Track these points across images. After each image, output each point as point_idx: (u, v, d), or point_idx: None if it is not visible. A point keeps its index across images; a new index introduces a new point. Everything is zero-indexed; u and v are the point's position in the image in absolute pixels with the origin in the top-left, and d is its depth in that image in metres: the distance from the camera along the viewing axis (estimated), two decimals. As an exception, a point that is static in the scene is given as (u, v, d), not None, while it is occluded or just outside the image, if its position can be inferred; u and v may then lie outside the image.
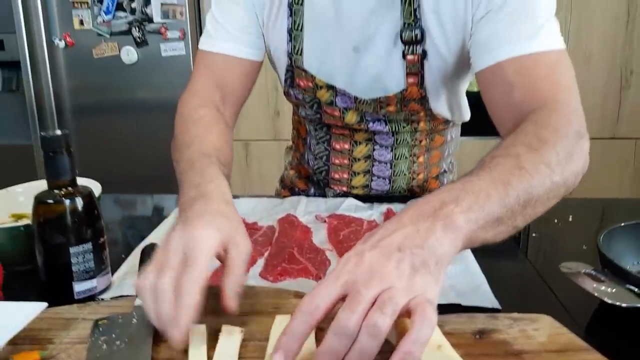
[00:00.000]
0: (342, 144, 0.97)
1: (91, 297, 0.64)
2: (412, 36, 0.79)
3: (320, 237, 0.83)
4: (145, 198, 1.12)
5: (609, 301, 0.55)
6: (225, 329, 0.50)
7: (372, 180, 1.00)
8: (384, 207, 0.94)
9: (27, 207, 0.85)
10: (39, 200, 0.64)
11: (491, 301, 0.62)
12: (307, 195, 1.07)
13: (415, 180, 1.01)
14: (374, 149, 0.97)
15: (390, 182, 1.00)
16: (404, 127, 0.94)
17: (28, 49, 2.08)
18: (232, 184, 2.20)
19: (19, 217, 0.85)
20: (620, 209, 1.08)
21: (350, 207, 0.95)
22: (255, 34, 0.87)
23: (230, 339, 0.49)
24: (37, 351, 0.50)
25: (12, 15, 2.04)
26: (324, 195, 1.05)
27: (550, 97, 0.67)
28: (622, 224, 0.71)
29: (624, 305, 0.55)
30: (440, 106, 0.91)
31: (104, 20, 2.08)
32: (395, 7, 0.79)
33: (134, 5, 2.06)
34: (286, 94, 0.95)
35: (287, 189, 1.15)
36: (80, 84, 2.16)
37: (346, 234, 0.83)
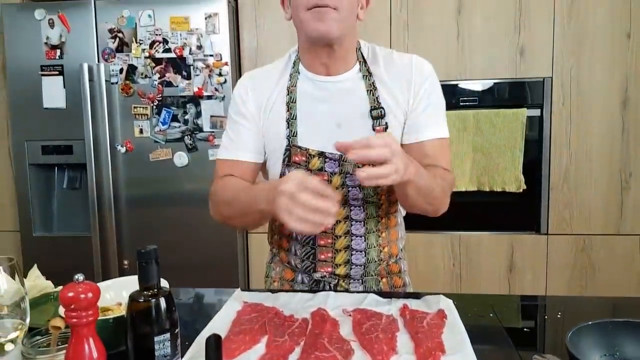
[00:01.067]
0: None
1: (166, 377, 0.83)
2: (378, 113, 1.14)
3: (346, 329, 0.98)
4: (188, 290, 1.28)
5: (566, 385, 0.71)
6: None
7: (352, 254, 1.21)
8: (400, 302, 1.09)
9: (113, 301, 1.07)
10: (132, 299, 0.84)
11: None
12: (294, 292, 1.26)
13: (382, 252, 1.24)
14: (351, 224, 1.20)
15: (365, 255, 1.22)
16: (371, 197, 1.19)
17: (94, 153, 2.36)
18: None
19: (105, 309, 1.04)
20: (605, 307, 1.21)
21: (371, 302, 1.10)
22: (256, 145, 1.20)
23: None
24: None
25: (82, 124, 2.34)
26: (311, 289, 1.24)
27: (443, 166, 1.16)
28: (590, 322, 0.86)
29: (579, 390, 0.71)
30: None
31: (160, 130, 2.36)
32: (364, 96, 1.16)
33: (187, 117, 2.35)
34: (281, 175, 1.18)
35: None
36: (137, 182, 2.40)
37: (368, 326, 0.99)
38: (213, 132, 2.35)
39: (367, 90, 1.15)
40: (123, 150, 2.39)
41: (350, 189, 1.17)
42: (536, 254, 2.39)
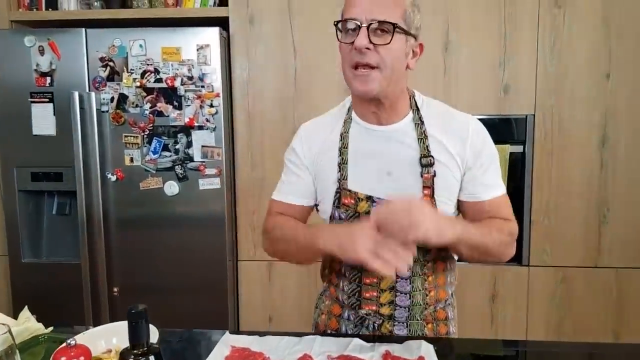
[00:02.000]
0: None
1: None
2: (428, 161, 1.18)
3: None
4: (177, 332, 1.28)
5: None
6: None
7: (396, 295, 1.24)
8: (383, 348, 1.13)
9: (104, 347, 1.10)
10: (123, 358, 0.88)
11: None
12: (338, 331, 1.32)
13: (428, 297, 1.25)
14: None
15: (410, 297, 1.24)
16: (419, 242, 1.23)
17: (84, 181, 2.36)
18: (256, 300, 2.43)
19: (96, 359, 1.07)
20: (579, 355, 1.26)
21: (355, 347, 1.14)
22: (307, 191, 1.29)
23: None
24: None
25: (72, 152, 2.34)
26: (356, 326, 1.30)
27: (503, 217, 1.21)
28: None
29: None
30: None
31: (151, 159, 2.38)
32: (414, 144, 1.20)
33: (177, 147, 2.37)
34: (331, 217, 1.25)
35: (321, 333, 1.36)
36: (127, 210, 2.42)
37: (351, 375, 1.05)
38: (204, 162, 2.37)
39: (418, 139, 1.19)
40: (114, 178, 2.40)
41: None
42: (518, 284, 2.44)
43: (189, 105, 2.35)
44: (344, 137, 1.23)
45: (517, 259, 2.45)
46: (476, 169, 1.20)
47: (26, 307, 1.27)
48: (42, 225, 2.56)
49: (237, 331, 1.27)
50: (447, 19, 2.36)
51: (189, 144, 2.37)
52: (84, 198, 2.37)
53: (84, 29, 2.38)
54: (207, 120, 2.35)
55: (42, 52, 2.39)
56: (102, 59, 2.37)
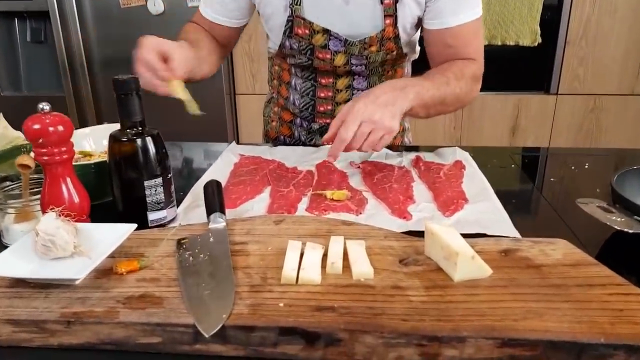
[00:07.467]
0: (327, 78, 1.12)
1: (161, 225, 0.72)
2: None
3: (355, 180, 0.91)
4: (176, 144, 1.20)
5: (618, 228, 0.63)
6: (310, 244, 0.60)
7: (352, 95, 1.13)
8: (412, 155, 1.02)
9: (93, 148, 0.96)
10: (115, 139, 0.70)
11: (513, 232, 0.69)
12: (292, 137, 1.23)
13: None
14: (353, 79, 1.12)
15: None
16: (377, 68, 1.12)
17: (56, -1, 2.10)
18: (257, 136, 2.23)
19: (86, 154, 0.93)
20: (635, 158, 1.13)
21: (381, 155, 1.02)
22: (236, 7, 1.08)
23: (315, 251, 0.59)
24: (136, 260, 0.57)
25: (42, -34, 2.06)
26: (309, 132, 1.20)
27: (469, 55, 1.02)
28: (635, 167, 0.77)
29: (631, 231, 0.63)
30: (405, 44, 1.08)
31: (131, -28, 2.10)
32: None
33: (161, -43, 2.08)
34: (281, 46, 1.08)
35: (272, 140, 1.28)
36: (108, 35, 2.17)
37: (380, 177, 0.91)
38: (191, -26, 2.07)
39: None
40: (89, -6, 2.11)
41: (354, 66, 1.08)
42: (542, 115, 2.29)
43: None
44: None
45: (545, 87, 2.27)
46: None
47: (1, 114, 1.10)
48: (17, 56, 2.33)
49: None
50: None
51: (174, -45, 2.05)
52: (59, 20, 2.10)
53: None
54: None
55: None
56: None
